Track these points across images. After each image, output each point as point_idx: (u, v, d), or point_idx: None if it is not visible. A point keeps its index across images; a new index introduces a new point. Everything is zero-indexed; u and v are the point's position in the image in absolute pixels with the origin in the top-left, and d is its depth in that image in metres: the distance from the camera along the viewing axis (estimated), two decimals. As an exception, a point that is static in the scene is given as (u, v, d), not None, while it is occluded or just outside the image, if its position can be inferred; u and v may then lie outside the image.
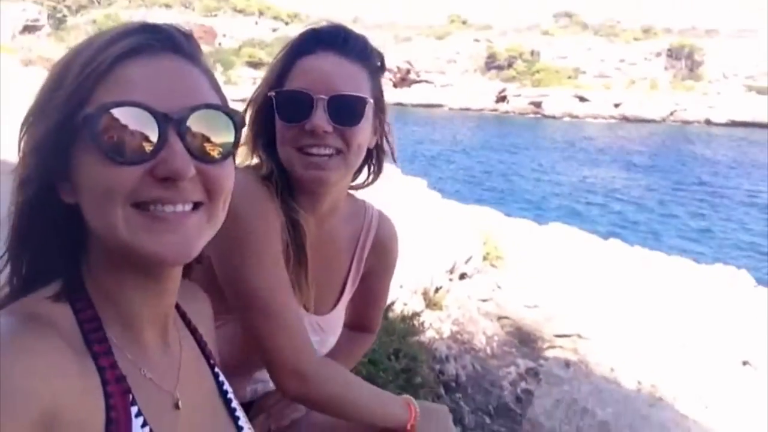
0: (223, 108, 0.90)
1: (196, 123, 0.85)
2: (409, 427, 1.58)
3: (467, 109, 61.85)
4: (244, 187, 1.01)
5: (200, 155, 0.86)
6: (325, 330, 1.66)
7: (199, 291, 1.23)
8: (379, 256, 1.74)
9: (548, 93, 61.31)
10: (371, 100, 1.46)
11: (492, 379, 4.46)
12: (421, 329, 4.34)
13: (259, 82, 1.52)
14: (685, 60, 67.05)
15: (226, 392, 1.13)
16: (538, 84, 63.76)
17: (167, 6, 74.97)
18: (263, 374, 1.61)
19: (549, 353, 5.10)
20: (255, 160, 1.50)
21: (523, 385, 4.45)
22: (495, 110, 62.61)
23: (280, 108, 1.42)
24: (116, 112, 0.80)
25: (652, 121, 57.69)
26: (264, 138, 1.47)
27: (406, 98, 61.94)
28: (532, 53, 68.53)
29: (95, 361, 0.84)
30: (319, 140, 1.39)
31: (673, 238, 19.10)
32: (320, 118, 1.38)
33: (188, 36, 0.92)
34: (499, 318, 5.46)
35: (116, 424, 0.81)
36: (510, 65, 66.82)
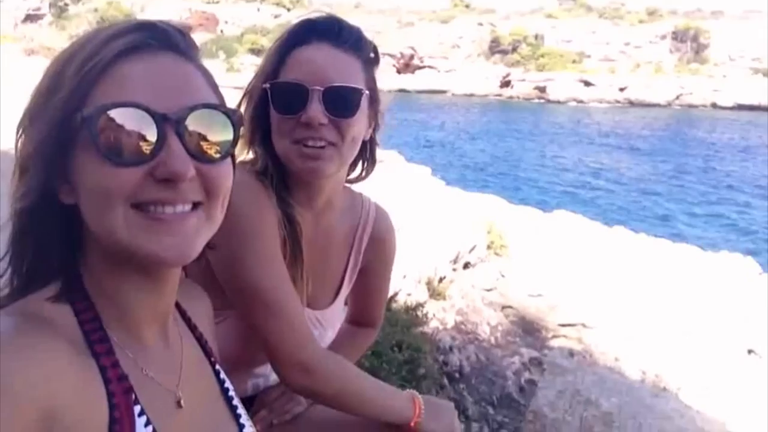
0: (221, 107, 0.90)
1: (194, 123, 0.85)
2: (413, 423, 1.57)
3: (471, 95, 61.56)
4: (240, 184, 1.01)
5: (199, 155, 0.86)
6: (324, 325, 1.66)
7: (199, 289, 1.24)
8: (376, 250, 1.74)
9: (553, 77, 60.97)
10: (366, 92, 1.45)
11: (495, 370, 4.47)
12: (425, 320, 4.34)
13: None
14: (690, 43, 66.50)
15: (227, 389, 1.13)
16: (542, 68, 63.38)
17: (169, -7, 74.71)
18: (264, 369, 1.63)
19: (553, 343, 5.10)
20: (250, 155, 1.50)
21: (526, 375, 4.46)
22: (499, 95, 62.34)
23: (276, 100, 1.41)
24: (114, 113, 0.80)
25: (657, 105, 57.38)
26: (260, 131, 1.47)
27: (409, 84, 61.69)
28: (536, 37, 68.04)
29: (97, 360, 0.84)
30: (314, 132, 1.39)
31: (679, 224, 19.05)
32: (316, 110, 1.37)
33: (184, 33, 0.92)
34: (503, 307, 5.46)
35: (119, 423, 0.82)
36: (514, 50, 66.38)
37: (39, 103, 0.85)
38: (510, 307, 5.49)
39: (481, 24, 71.14)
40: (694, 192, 24.05)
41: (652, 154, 32.74)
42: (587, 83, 59.87)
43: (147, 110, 0.81)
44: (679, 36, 67.05)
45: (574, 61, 64.74)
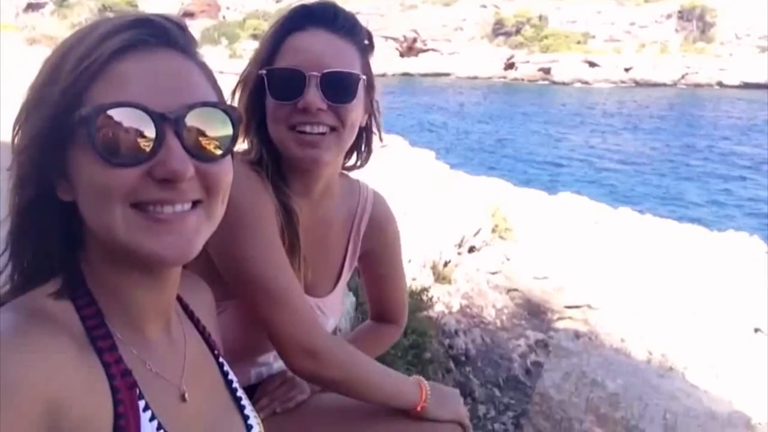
0: (221, 105, 0.90)
1: (193, 121, 0.84)
2: (419, 408, 1.58)
3: (475, 78, 61.16)
4: (235, 174, 1.01)
5: (198, 154, 0.85)
6: (325, 312, 1.66)
7: (200, 281, 1.23)
8: (376, 236, 1.73)
9: (557, 59, 60.45)
10: (363, 77, 1.44)
11: (501, 352, 4.48)
12: (430, 304, 4.35)
13: None
14: (696, 21, 65.73)
15: (231, 381, 1.13)
16: (546, 50, 62.82)
17: (170, -21, 74.18)
18: (267, 358, 1.63)
19: (559, 324, 5.11)
20: (245, 145, 1.49)
21: (532, 357, 4.47)
22: (503, 77, 61.91)
23: (272, 86, 1.40)
24: (112, 113, 0.79)
25: (663, 85, 56.93)
26: (255, 119, 1.45)
27: (413, 68, 61.36)
28: (540, 18, 67.36)
29: (100, 356, 0.84)
30: (312, 118, 1.38)
31: (685, 204, 18.98)
32: (313, 96, 1.36)
33: (183, 28, 0.90)
34: (509, 290, 5.46)
35: (125, 418, 0.82)
36: (518, 31, 65.79)
37: (35, 99, 0.84)
38: (515, 289, 5.49)
39: (484, 6, 70.45)
40: (699, 172, 23.92)
41: (657, 134, 32.53)
42: (592, 64, 59.36)
43: (145, 109, 0.80)
44: (684, 15, 66.27)
45: (578, 42, 64.13)
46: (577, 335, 4.80)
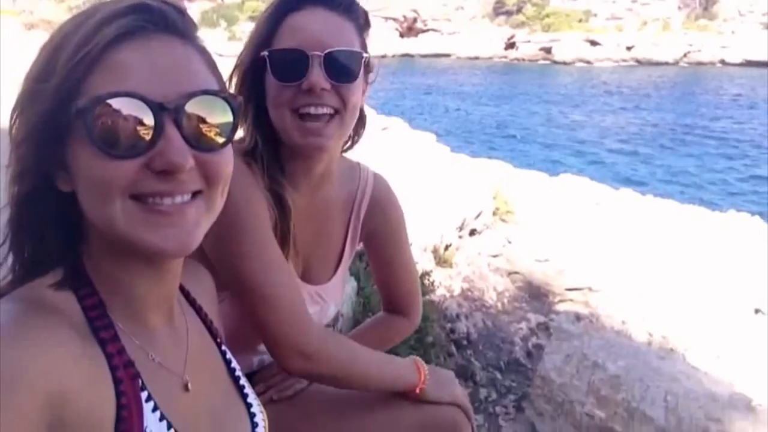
0: (221, 93, 0.88)
1: (193, 111, 0.83)
2: (418, 390, 1.58)
3: (476, 58, 60.73)
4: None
5: (198, 144, 0.84)
6: (326, 299, 1.65)
7: (202, 269, 1.23)
8: (378, 218, 1.71)
9: (559, 38, 59.96)
10: (365, 55, 1.42)
11: (503, 336, 4.50)
12: (431, 288, 4.35)
13: None
14: (699, -2, 65.16)
15: (234, 369, 1.14)
16: (548, 29, 62.31)
17: (167, -39, 73.22)
18: None
19: (560, 307, 5.11)
20: (239, 132, 1.48)
21: (533, 340, 4.49)
22: (504, 57, 61.46)
23: (274, 68, 1.37)
24: (109, 103, 0.78)
25: (665, 64, 56.51)
26: (253, 104, 1.43)
27: (413, 49, 60.91)
28: (541, -4, 66.84)
29: (102, 347, 0.84)
30: (315, 99, 1.36)
31: (686, 184, 18.92)
32: (317, 76, 1.34)
33: (182, 12, 0.88)
34: (510, 273, 5.46)
35: (127, 409, 0.82)
36: (519, 10, 65.20)
37: (32, 90, 0.83)
38: (516, 272, 5.49)
39: (484, -16, 69.78)
40: (701, 152, 23.81)
41: (658, 114, 32.34)
42: (594, 43, 58.86)
43: (143, 99, 0.79)
44: (687, -9, 65.65)
45: (580, 21, 63.57)
46: (578, 318, 4.80)
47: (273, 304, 1.38)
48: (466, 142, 21.49)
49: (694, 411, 3.26)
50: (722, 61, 56.55)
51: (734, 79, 47.13)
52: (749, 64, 54.38)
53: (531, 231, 6.47)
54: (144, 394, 0.86)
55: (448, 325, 4.32)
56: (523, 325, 4.67)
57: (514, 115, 32.10)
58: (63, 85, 0.80)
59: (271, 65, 1.37)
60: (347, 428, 1.59)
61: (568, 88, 42.59)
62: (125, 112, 0.78)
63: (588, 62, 57.48)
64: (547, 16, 63.95)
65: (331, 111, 1.39)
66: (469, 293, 5.00)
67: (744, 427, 3.18)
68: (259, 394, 1.55)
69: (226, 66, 1.12)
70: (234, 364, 1.14)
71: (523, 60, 60.15)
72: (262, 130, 1.44)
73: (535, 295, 5.27)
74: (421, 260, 4.95)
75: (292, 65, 1.35)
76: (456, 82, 44.91)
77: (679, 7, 65.81)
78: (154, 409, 0.87)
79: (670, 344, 4.55)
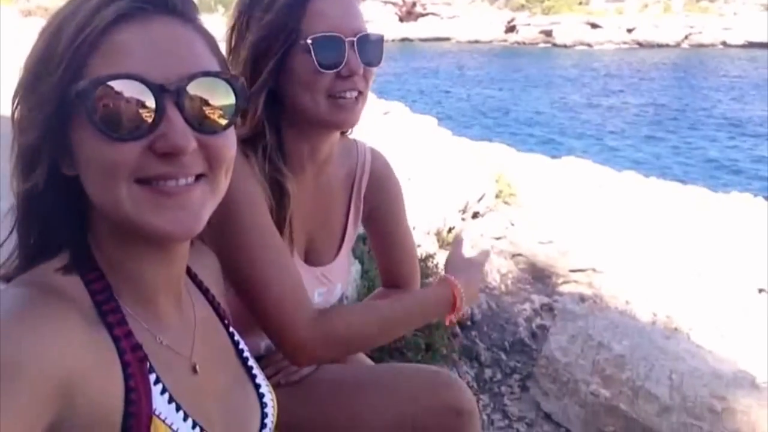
0: (223, 74, 0.87)
1: (194, 92, 0.81)
2: (454, 310, 1.58)
3: (476, 42, 60.48)
4: None
5: (200, 127, 0.83)
6: (332, 279, 1.64)
7: (207, 250, 1.22)
8: (378, 190, 1.71)
9: (559, 21, 59.69)
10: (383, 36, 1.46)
11: (507, 316, 4.50)
12: (435, 270, 4.34)
13: None
14: (700, -21, 64.60)
15: (242, 351, 1.13)
16: (548, 12, 62.00)
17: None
18: None
19: (564, 288, 5.11)
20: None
21: (538, 321, 4.49)
22: (504, 41, 61.23)
23: (318, 55, 1.36)
24: (110, 85, 0.77)
25: (666, 46, 56.24)
26: (267, 89, 1.40)
27: (412, 33, 60.66)
28: (541, -21, 66.32)
29: (110, 331, 0.83)
30: (349, 84, 1.39)
31: (690, 165, 18.90)
32: (355, 61, 1.37)
33: None
34: (513, 255, 5.45)
35: (136, 392, 0.81)
36: (519, -7, 64.84)
37: (32, 74, 0.82)
38: (520, 254, 5.48)
39: (484, -33, 69.23)
40: (703, 133, 23.77)
41: (660, 96, 32.24)
42: (594, 25, 58.58)
43: (144, 81, 0.78)
44: (688, -28, 65.09)
45: (580, 3, 63.23)
46: (582, 298, 4.81)
47: (268, 298, 1.35)
48: (468, 126, 21.46)
49: (699, 389, 3.27)
50: (724, 43, 56.29)
51: (735, 61, 46.92)
52: (751, 45, 54.12)
53: (534, 213, 6.47)
54: (152, 377, 0.85)
55: (453, 307, 4.33)
56: (527, 306, 4.67)
57: (515, 98, 32.03)
58: (64, 68, 0.78)
59: (315, 52, 1.36)
60: (357, 413, 1.58)
61: (569, 71, 42.43)
62: (126, 94, 0.77)
63: (588, 45, 57.24)
64: (548, -2, 63.57)
65: (357, 94, 1.42)
66: (473, 275, 4.99)
67: (748, 404, 3.19)
68: (268, 378, 1.57)
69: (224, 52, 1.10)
70: (242, 345, 1.13)
71: (524, 43, 59.92)
72: (272, 115, 1.42)
73: (539, 276, 5.27)
74: (425, 243, 4.95)
75: (332, 51, 1.36)
76: (456, 66, 44.75)
77: (680, -11, 65.30)
78: (163, 391, 0.86)
79: (674, 324, 4.56)
